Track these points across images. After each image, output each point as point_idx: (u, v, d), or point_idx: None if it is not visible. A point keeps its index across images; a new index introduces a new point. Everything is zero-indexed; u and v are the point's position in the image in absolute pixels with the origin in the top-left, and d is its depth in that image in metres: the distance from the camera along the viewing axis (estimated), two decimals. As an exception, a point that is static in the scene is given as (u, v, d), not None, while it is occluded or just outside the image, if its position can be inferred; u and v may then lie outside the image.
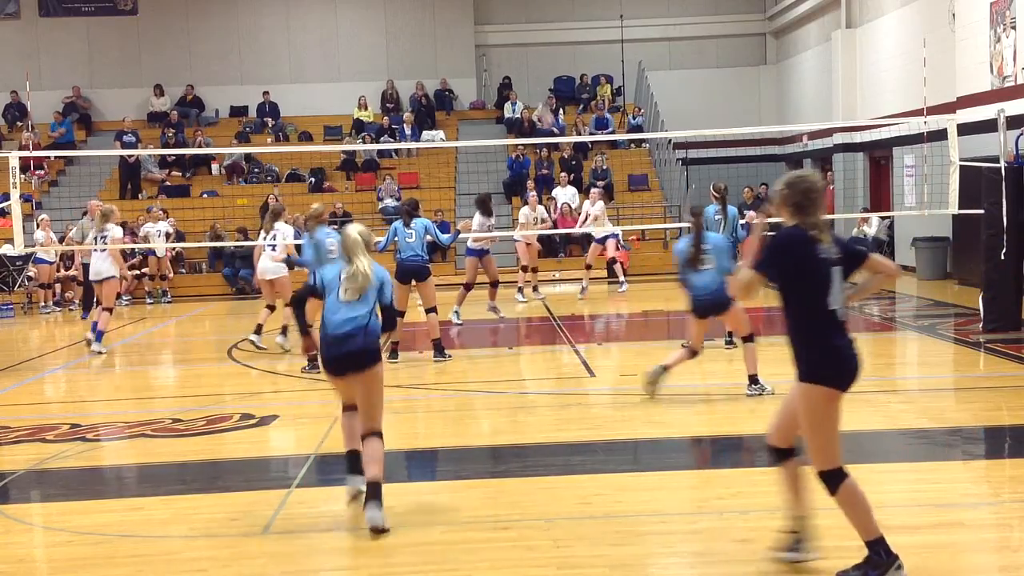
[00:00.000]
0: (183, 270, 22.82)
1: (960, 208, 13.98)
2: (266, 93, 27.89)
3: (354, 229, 6.54)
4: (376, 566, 5.64)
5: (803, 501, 5.36)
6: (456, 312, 14.74)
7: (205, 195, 24.92)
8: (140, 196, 24.80)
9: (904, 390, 10.16)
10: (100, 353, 13.27)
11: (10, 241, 15.36)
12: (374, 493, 6.11)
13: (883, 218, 22.19)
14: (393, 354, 11.98)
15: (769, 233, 5.22)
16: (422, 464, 7.78)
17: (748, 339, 9.50)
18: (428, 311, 12.06)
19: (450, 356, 12.14)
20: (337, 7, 28.87)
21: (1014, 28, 16.34)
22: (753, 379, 9.42)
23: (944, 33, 18.79)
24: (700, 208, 10.02)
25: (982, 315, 12.81)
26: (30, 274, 20.38)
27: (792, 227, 5.08)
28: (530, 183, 23.10)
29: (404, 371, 12.07)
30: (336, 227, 14.95)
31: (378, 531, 6.01)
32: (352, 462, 6.61)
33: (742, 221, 12.44)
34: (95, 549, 6.06)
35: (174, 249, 21.56)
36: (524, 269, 18.31)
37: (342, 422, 6.79)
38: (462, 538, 5.97)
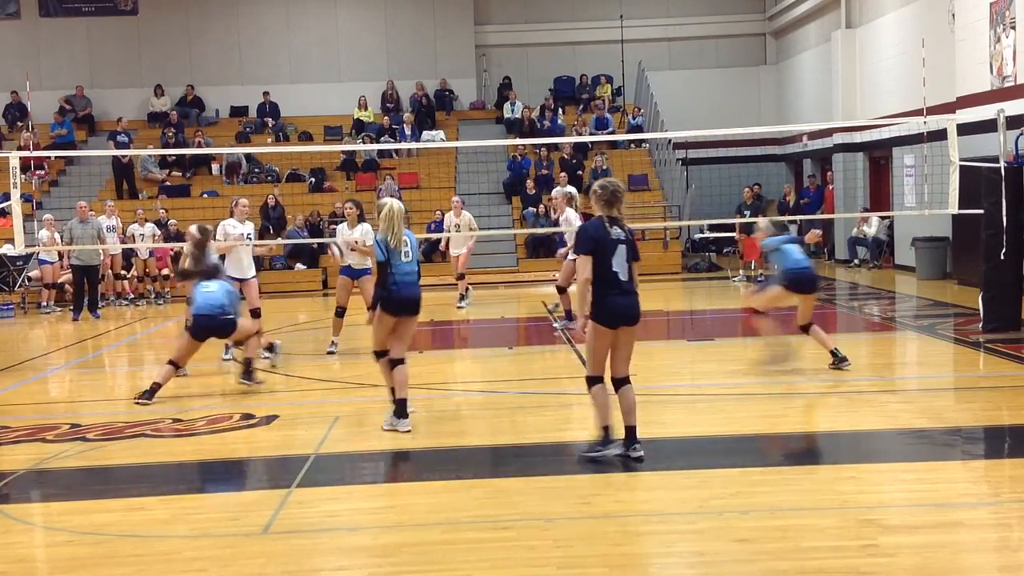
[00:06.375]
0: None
1: (960, 208, 13.97)
2: (266, 93, 27.91)
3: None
4: (376, 566, 5.64)
5: (611, 414, 7.53)
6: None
7: (205, 195, 24.92)
8: (141, 196, 24.80)
9: (904, 390, 10.16)
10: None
11: (10, 241, 15.35)
12: None
13: (883, 218, 22.21)
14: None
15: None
16: (422, 464, 7.78)
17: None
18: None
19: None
20: (337, 7, 28.88)
21: (1014, 28, 16.34)
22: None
23: (944, 33, 18.79)
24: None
25: (982, 315, 12.81)
26: (31, 275, 20.39)
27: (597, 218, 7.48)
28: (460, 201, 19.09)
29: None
30: (335, 227, 15.02)
31: None
32: None
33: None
34: (95, 549, 6.07)
35: (172, 249, 21.54)
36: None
37: None
38: (462, 538, 5.97)
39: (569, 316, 14.09)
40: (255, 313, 12.79)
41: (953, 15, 18.38)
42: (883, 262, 22.36)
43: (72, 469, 7.96)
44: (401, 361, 8.68)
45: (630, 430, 7.49)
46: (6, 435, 9.01)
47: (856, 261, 23.00)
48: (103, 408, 10.55)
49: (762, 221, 11.84)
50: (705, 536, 5.88)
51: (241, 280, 13.27)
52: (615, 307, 7.40)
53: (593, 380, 7.51)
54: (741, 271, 21.62)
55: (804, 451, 7.91)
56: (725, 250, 24.80)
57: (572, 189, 22.90)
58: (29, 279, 20.42)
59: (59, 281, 20.04)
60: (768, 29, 29.78)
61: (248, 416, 9.48)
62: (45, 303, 19.82)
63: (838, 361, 10.68)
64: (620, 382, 7.57)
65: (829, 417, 8.73)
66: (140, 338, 16.00)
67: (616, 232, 7.42)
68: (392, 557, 5.73)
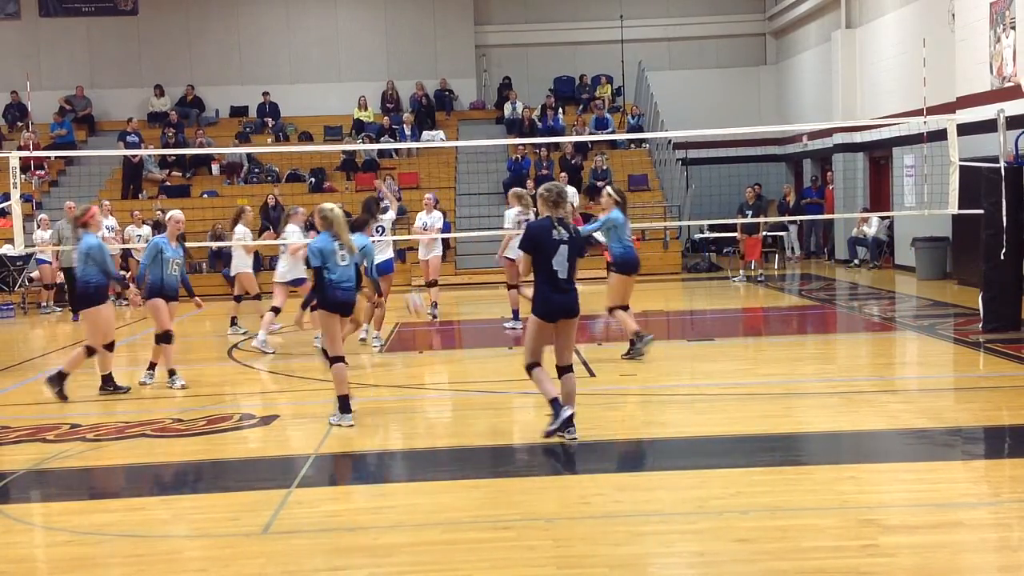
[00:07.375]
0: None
1: (960, 208, 13.98)
2: (266, 93, 27.92)
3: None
4: (376, 566, 5.64)
5: (553, 387, 8.06)
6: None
7: (205, 195, 24.93)
8: (141, 196, 24.82)
9: (904, 390, 10.16)
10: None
11: (10, 241, 15.36)
12: None
13: (883, 218, 22.22)
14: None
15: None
16: (422, 464, 7.78)
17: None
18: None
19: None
20: (337, 7, 28.89)
21: (1014, 28, 16.35)
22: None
23: (944, 33, 18.80)
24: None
25: (982, 315, 12.81)
26: (31, 275, 20.38)
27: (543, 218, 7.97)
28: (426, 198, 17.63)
29: (404, 371, 12.07)
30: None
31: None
32: None
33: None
34: (95, 549, 6.07)
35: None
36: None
37: None
38: (462, 538, 5.97)
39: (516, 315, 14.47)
40: (276, 311, 13.48)
41: (953, 15, 18.38)
42: (883, 262, 22.36)
43: (72, 469, 7.96)
44: (340, 359, 8.82)
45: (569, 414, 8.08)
46: (6, 435, 9.01)
47: (856, 261, 23.00)
48: (103, 408, 10.54)
49: (610, 188, 11.70)
50: (705, 536, 5.88)
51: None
52: (553, 303, 7.90)
53: (531, 366, 8.07)
54: (741, 271, 21.63)
55: (804, 451, 7.91)
56: (725, 250, 24.80)
57: (572, 190, 23.04)
58: (30, 279, 20.41)
59: (58, 281, 20.03)
60: (768, 29, 29.78)
61: (248, 416, 9.48)
62: (45, 303, 19.82)
63: (636, 349, 11.27)
64: (563, 370, 8.08)
65: (829, 417, 8.73)
66: (140, 338, 15.98)
67: (560, 233, 7.85)
68: (392, 557, 5.73)
